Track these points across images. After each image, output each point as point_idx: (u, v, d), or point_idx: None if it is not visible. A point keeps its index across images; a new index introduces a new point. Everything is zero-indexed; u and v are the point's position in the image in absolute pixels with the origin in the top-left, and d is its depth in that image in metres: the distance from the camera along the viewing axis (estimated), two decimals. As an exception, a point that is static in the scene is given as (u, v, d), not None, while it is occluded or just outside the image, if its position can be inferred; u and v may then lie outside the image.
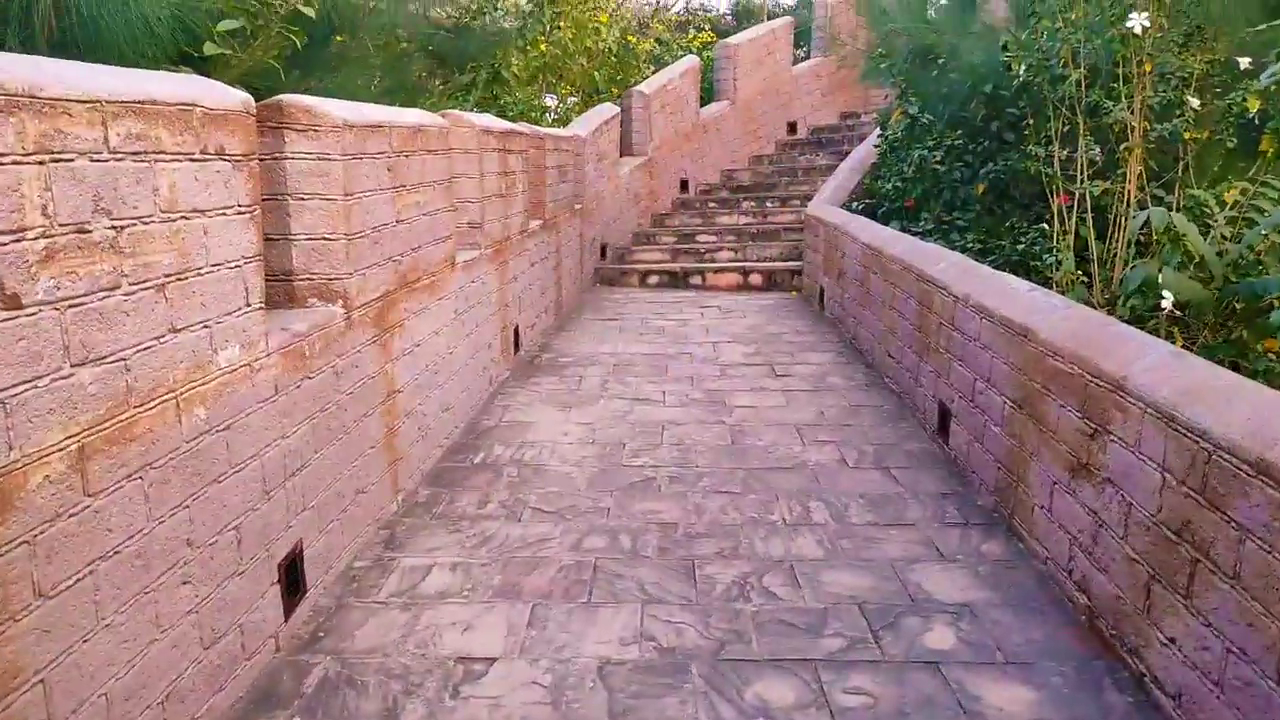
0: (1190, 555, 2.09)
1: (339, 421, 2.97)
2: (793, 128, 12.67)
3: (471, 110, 7.88)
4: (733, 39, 11.56)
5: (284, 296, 2.92)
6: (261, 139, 2.74)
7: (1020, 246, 5.14)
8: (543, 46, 9.93)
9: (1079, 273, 4.47)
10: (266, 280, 2.66)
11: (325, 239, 2.93)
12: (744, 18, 24.01)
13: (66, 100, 1.67)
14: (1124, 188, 4.32)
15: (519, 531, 3.33)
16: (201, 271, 2.13)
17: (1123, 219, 4.43)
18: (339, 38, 6.19)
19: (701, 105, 11.42)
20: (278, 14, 4.00)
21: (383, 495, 3.39)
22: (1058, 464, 2.87)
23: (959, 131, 6.47)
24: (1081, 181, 4.54)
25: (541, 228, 6.53)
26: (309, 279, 2.94)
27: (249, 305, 2.35)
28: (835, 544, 3.20)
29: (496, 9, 9.82)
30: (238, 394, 2.30)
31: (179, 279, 2.03)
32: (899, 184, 6.97)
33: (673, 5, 25.16)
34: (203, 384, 2.14)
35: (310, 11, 4.01)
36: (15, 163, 1.54)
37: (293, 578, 2.62)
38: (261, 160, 2.74)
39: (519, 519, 3.44)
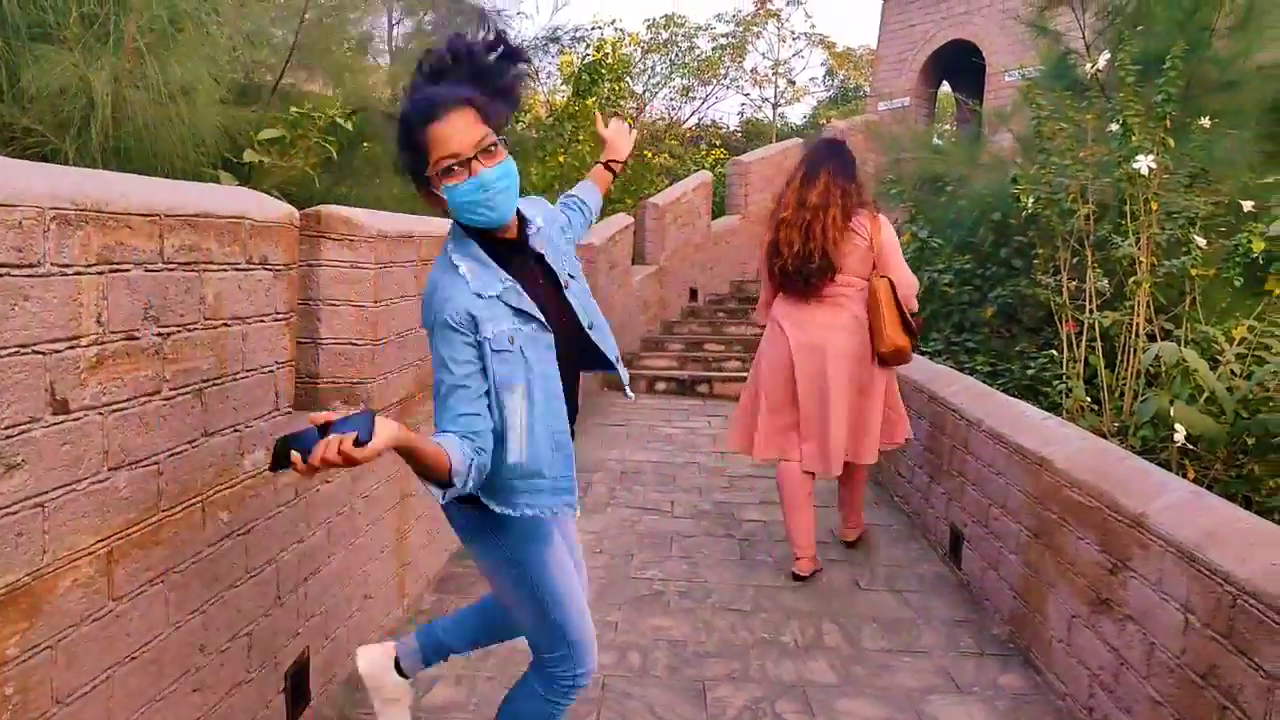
0: (1217, 701, 2.06)
1: (352, 525, 2.96)
2: (801, 242, 12.92)
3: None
4: (745, 157, 11.96)
5: (307, 400, 2.95)
6: (299, 246, 2.82)
7: (1030, 371, 5.20)
8: (561, 158, 10.26)
9: (1089, 400, 4.51)
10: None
11: (352, 344, 2.98)
12: (753, 136, 24.91)
13: (129, 214, 1.74)
14: (1132, 319, 4.40)
15: (522, 642, 3.26)
16: (237, 376, 2.16)
17: (1132, 349, 4.49)
18: (367, 145, 6.41)
19: (713, 218, 11.72)
20: (316, 125, 4.17)
21: (389, 600, 3.35)
22: (1076, 597, 2.84)
23: (967, 256, 6.62)
24: (1090, 311, 4.63)
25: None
26: (333, 383, 2.98)
27: (278, 410, 2.38)
28: (849, 670, 3.14)
29: (519, 120, 10.20)
30: (260, 498, 2.30)
31: (216, 383, 2.07)
32: (907, 303, 7.09)
33: (685, 120, 26.10)
34: (229, 487, 2.15)
35: (348, 124, 4.18)
36: (77, 273, 1.60)
37: (298, 686, 2.57)
38: (297, 266, 2.82)
39: (526, 631, 3.38)
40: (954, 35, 12.99)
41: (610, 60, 11.02)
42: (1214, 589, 2.10)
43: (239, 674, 2.23)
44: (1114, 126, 4.63)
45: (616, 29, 11.80)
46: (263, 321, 2.28)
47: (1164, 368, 4.08)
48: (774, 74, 26.90)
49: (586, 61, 10.72)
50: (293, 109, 4.19)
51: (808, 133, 18.19)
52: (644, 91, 24.85)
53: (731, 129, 26.23)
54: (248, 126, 4.15)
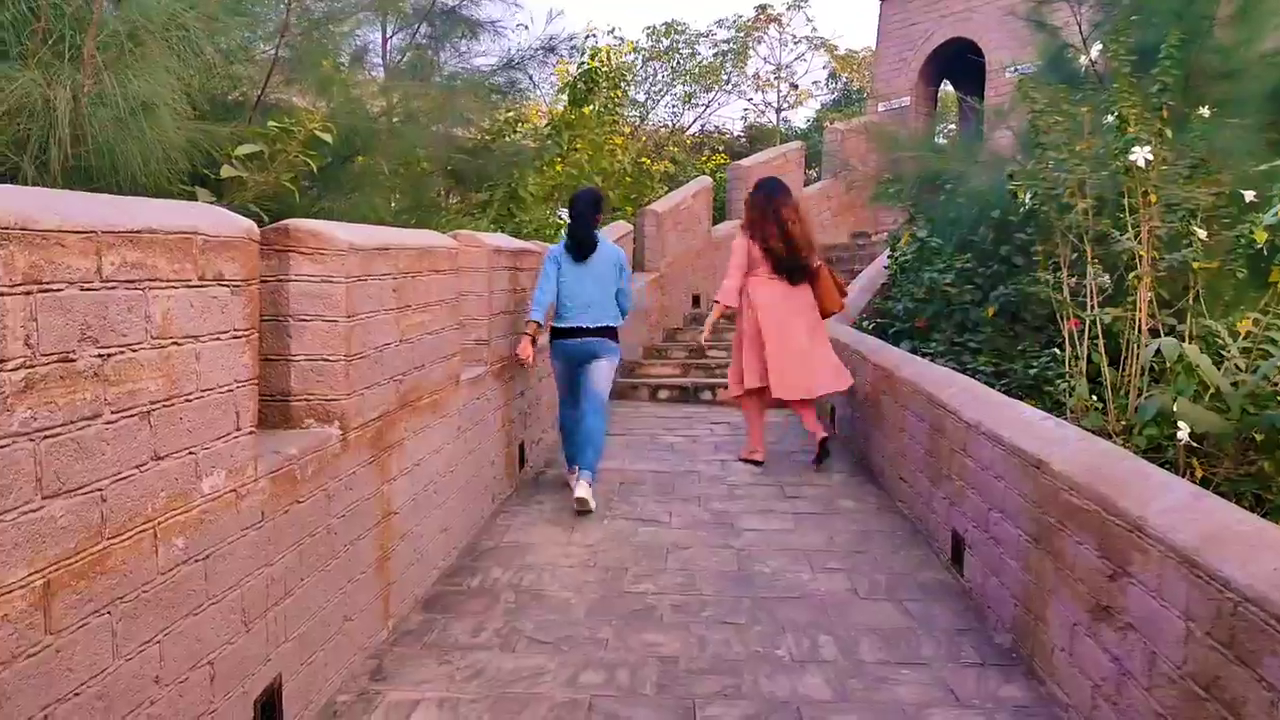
0: (1220, 715, 1.95)
1: (329, 546, 2.88)
2: (804, 246, 12.85)
3: (489, 228, 8.05)
4: (744, 161, 11.88)
5: (279, 417, 2.88)
6: (266, 261, 2.76)
7: (1033, 370, 5.09)
8: (559, 167, 10.21)
9: (1093, 399, 4.40)
10: (262, 401, 2.63)
11: (325, 360, 2.91)
12: (757, 140, 24.83)
13: (60, 231, 1.67)
14: (1135, 315, 4.29)
15: (512, 664, 3.18)
16: (190, 397, 2.09)
17: (1135, 346, 4.38)
18: (360, 159, 6.37)
19: (713, 224, 11.64)
20: (296, 139, 4.12)
21: (372, 622, 3.27)
22: (1078, 604, 2.73)
23: (967, 255, 6.52)
24: (1092, 308, 4.52)
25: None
26: (306, 400, 2.91)
27: (239, 430, 2.31)
28: (845, 684, 3.04)
29: (516, 131, 10.16)
30: (220, 522, 2.23)
31: (166, 405, 2.00)
32: (910, 305, 6.99)
33: (688, 127, 26.05)
34: (183, 513, 2.07)
35: (328, 138, 4.12)
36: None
37: (269, 715, 2.49)
38: (265, 282, 2.75)
39: (513, 649, 3.30)
40: (953, 33, 12.88)
41: (606, 68, 10.96)
42: (1214, 595, 1.99)
43: (200, 704, 2.15)
44: (1110, 118, 4.53)
45: (616, 37, 11.77)
46: (219, 340, 2.21)
47: (1168, 364, 3.97)
48: (776, 78, 26.83)
49: (582, 70, 10.69)
50: (271, 123, 4.14)
51: (811, 136, 18.09)
52: (645, 99, 24.83)
53: (735, 134, 26.17)
54: (227, 142, 4.09)
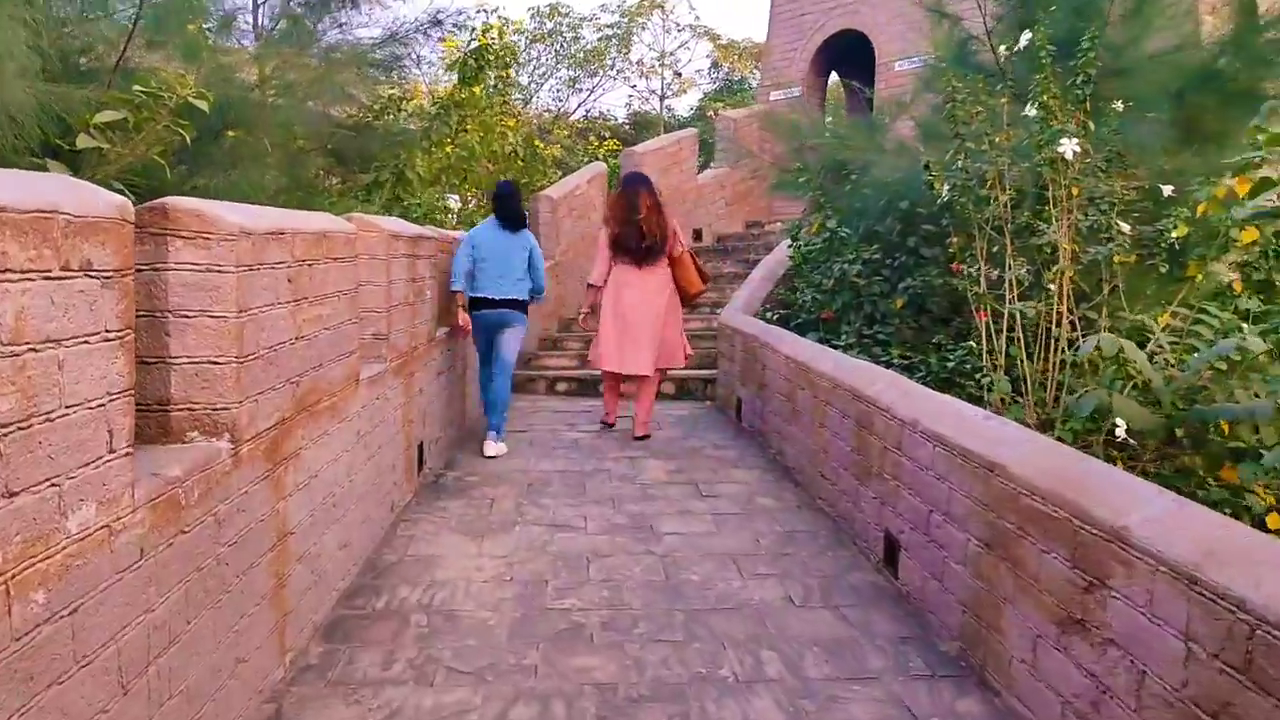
0: (1231, 743, 1.84)
1: (218, 580, 2.48)
2: (698, 235, 12.74)
3: (379, 212, 7.53)
4: (638, 147, 11.65)
5: (158, 430, 2.46)
6: (140, 247, 2.33)
7: (950, 364, 5.05)
8: (448, 148, 9.71)
9: (1013, 394, 4.37)
10: (137, 412, 2.21)
11: (212, 362, 2.50)
12: (642, 127, 24.67)
13: None
14: (1055, 308, 4.27)
15: (431, 700, 2.85)
16: (52, 416, 1.68)
17: (1054, 339, 4.37)
18: (231, 133, 5.79)
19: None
20: (166, 106, 3.61)
21: (268, 660, 2.87)
22: (1042, 614, 2.61)
23: (875, 246, 6.48)
24: (1010, 301, 4.49)
25: (448, 335, 6.15)
26: (189, 409, 2.49)
27: (113, 451, 1.90)
28: (797, 705, 2.85)
29: (401, 110, 9.60)
30: (91, 566, 1.82)
31: (21, 428, 1.59)
32: (817, 296, 6.91)
33: (573, 112, 25.68)
34: (44, 559, 1.67)
35: (204, 105, 3.63)
36: None
37: (153, 789, 2.09)
38: (139, 272, 2.32)
39: (431, 682, 2.97)
40: (843, 25, 12.98)
41: (498, 45, 10.49)
42: (1223, 616, 1.87)
43: (68, 794, 1.75)
44: (1030, 110, 4.50)
45: (500, 17, 11.29)
46: (88, 344, 1.80)
47: (1087, 358, 3.96)
48: (660, 65, 26.75)
49: (473, 47, 10.17)
50: (137, 88, 3.61)
51: (697, 124, 18.04)
52: (529, 83, 24.30)
53: (620, 121, 25.96)
54: (83, 108, 3.56)
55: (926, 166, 5.10)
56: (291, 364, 3.02)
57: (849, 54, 13.17)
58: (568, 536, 4.45)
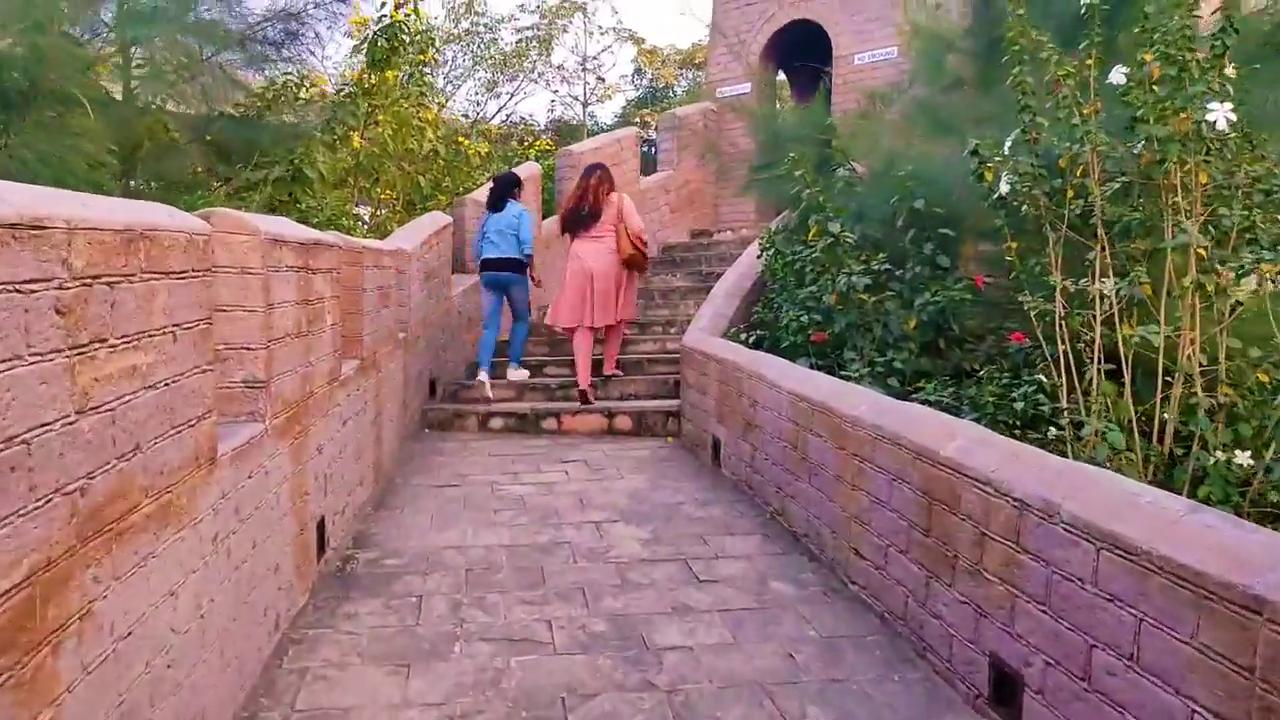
0: None
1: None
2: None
3: (263, 214, 6.11)
4: (576, 146, 10.40)
5: None
6: None
7: (1017, 404, 3.95)
8: (357, 143, 8.29)
9: (1129, 451, 3.29)
10: None
11: None
12: (564, 134, 23.43)
13: None
14: (1184, 334, 3.21)
15: None
16: None
17: (1173, 375, 3.31)
18: (50, 113, 4.34)
19: (543, 217, 10.09)
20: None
21: None
22: None
23: (881, 254, 5.39)
24: (1119, 323, 3.41)
25: (358, 370, 4.81)
26: None
27: None
28: None
29: (298, 98, 8.15)
30: None
31: None
32: (804, 316, 5.78)
33: (491, 117, 24.29)
34: None
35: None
36: None
37: None
38: None
39: None
40: (795, 15, 11.97)
41: (413, 21, 9.10)
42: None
43: None
44: (1116, 76, 3.44)
45: (413, 5, 9.89)
46: None
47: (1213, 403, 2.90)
48: (584, 69, 25.61)
49: (384, 25, 8.75)
50: None
51: (632, 124, 16.90)
52: (445, 85, 22.84)
53: (541, 127, 24.70)
54: None
55: (974, 152, 4.00)
56: (67, 461, 1.70)
57: (802, 48, 12.17)
58: (529, 661, 3.17)
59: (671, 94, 26.34)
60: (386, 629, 3.42)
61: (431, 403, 7.48)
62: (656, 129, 12.84)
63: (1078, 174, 3.44)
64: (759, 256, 7.38)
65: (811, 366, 5.48)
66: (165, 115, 7.19)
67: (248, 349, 3.05)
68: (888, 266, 5.29)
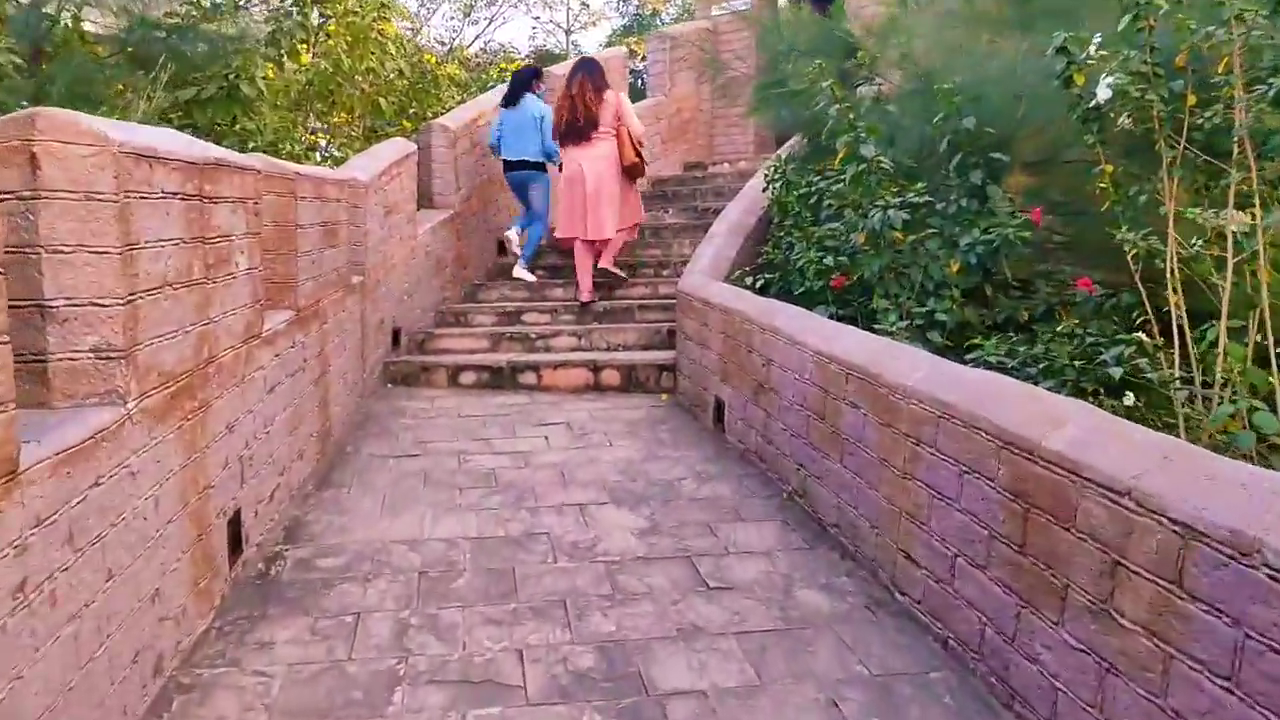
0: None
1: None
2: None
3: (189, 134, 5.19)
4: (557, 68, 9.38)
5: None
6: None
7: (1112, 370, 3.14)
8: (305, 59, 7.28)
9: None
10: None
11: None
12: (548, 64, 22.17)
13: None
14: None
15: None
16: None
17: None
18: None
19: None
20: None
21: None
22: None
23: (919, 184, 4.53)
24: (1265, 267, 2.61)
25: (292, 323, 3.97)
26: None
27: None
28: None
29: (237, 6, 7.12)
30: None
31: None
32: (825, 258, 4.94)
33: (469, 45, 22.97)
34: None
35: None
36: None
37: None
38: None
39: None
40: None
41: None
42: None
43: None
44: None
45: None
46: None
47: None
48: (566, -6, 24.21)
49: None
50: None
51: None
52: (420, 9, 21.49)
53: (522, 56, 23.39)
54: None
55: (1062, 49, 3.15)
56: None
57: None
58: (493, 716, 2.40)
59: (660, 22, 25.00)
60: (308, 666, 2.64)
61: (395, 355, 6.63)
62: (646, 54, 11.78)
63: (1219, 69, 2.60)
64: (765, 189, 6.51)
65: (832, 317, 4.68)
66: (80, 25, 6.17)
67: (97, 305, 2.20)
68: (928, 199, 4.44)
